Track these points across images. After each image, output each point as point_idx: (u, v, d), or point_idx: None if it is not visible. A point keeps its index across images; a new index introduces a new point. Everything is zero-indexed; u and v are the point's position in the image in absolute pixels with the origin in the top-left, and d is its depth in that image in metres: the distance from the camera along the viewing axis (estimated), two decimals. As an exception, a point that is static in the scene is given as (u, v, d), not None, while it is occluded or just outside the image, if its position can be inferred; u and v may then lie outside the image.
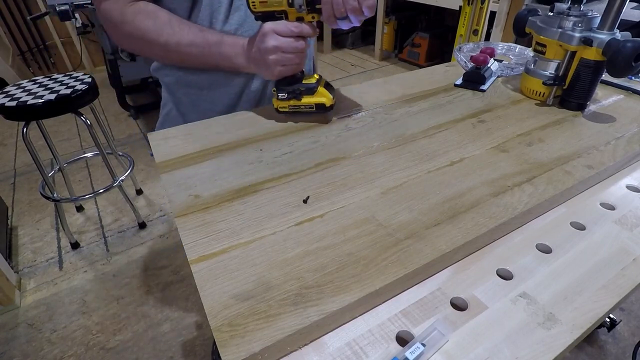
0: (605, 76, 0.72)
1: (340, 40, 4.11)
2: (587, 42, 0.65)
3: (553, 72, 0.73)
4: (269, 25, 0.59)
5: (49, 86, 1.39)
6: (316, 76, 0.68)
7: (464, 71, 0.88)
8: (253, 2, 0.59)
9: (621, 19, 0.64)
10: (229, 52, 0.65)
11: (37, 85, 1.40)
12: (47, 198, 1.58)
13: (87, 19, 2.67)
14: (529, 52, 0.95)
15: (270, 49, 0.60)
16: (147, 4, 0.65)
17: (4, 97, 1.30)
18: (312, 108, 0.67)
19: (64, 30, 3.32)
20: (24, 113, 1.28)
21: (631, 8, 1.45)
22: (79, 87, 1.37)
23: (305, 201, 0.51)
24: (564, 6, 0.69)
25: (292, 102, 0.67)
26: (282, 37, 0.59)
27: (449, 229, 0.46)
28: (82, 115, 1.44)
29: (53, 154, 1.72)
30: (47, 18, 3.16)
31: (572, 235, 0.49)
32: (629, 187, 0.57)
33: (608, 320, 1.25)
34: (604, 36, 0.64)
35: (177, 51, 0.65)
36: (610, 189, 0.57)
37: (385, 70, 3.55)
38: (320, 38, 3.96)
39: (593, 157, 0.59)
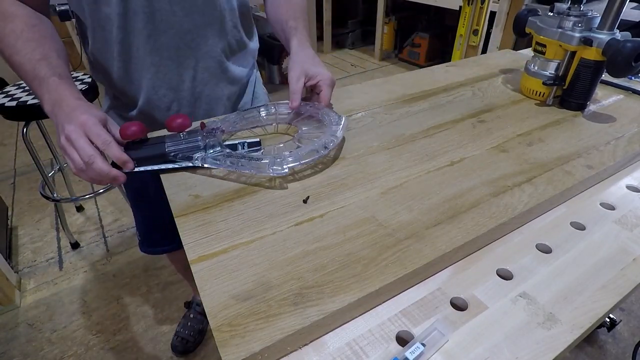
0: (605, 76, 0.72)
1: (340, 40, 4.11)
2: (587, 42, 0.65)
3: (553, 72, 0.73)
4: (87, 117, 0.51)
5: (49, 86, 1.39)
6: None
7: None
8: None
9: (621, 19, 0.64)
10: (42, 93, 0.55)
11: (37, 85, 1.40)
12: (47, 198, 1.58)
13: (87, 19, 2.67)
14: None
15: (65, 136, 0.51)
16: (13, 3, 0.58)
17: (4, 97, 1.30)
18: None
19: (63, 30, 3.31)
20: (24, 113, 1.28)
21: (631, 8, 1.44)
22: (79, 87, 1.37)
23: (305, 201, 0.51)
24: (564, 6, 0.69)
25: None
26: (87, 137, 0.50)
27: (449, 229, 0.46)
28: (82, 115, 1.43)
29: (53, 154, 1.72)
30: (47, 18, 3.16)
31: (572, 235, 0.49)
32: (629, 187, 0.57)
33: (608, 320, 1.25)
34: (603, 36, 0.64)
35: (10, 64, 0.57)
36: (610, 189, 0.57)
37: (385, 70, 3.55)
38: (320, 38, 3.95)
39: (593, 157, 0.59)
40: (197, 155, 0.56)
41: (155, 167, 0.56)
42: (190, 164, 0.56)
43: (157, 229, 0.93)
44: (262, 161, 0.53)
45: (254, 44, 0.82)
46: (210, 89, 0.74)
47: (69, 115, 0.52)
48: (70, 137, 0.50)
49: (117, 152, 0.52)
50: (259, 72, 0.90)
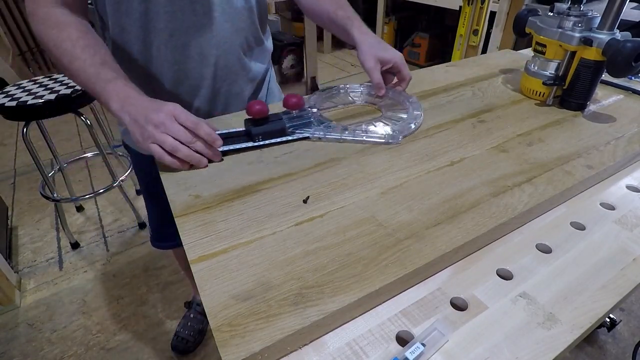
0: (605, 76, 0.72)
1: (340, 40, 4.10)
2: (587, 42, 0.65)
3: (553, 72, 0.72)
4: (173, 105, 0.56)
5: (49, 86, 1.39)
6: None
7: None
8: None
9: (621, 19, 0.64)
10: (109, 94, 0.58)
11: (37, 85, 1.40)
12: (47, 198, 1.58)
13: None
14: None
15: (154, 124, 0.54)
16: (65, 13, 0.61)
17: (4, 97, 1.30)
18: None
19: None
20: (24, 113, 1.28)
21: (631, 8, 1.44)
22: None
23: (305, 201, 0.51)
24: (564, 6, 0.69)
25: None
26: (178, 124, 0.55)
27: (449, 229, 0.46)
28: (82, 115, 1.44)
29: (53, 154, 1.72)
30: (47, 18, 3.15)
31: (572, 235, 0.49)
32: (629, 187, 0.57)
33: (608, 320, 1.25)
34: (604, 36, 0.64)
35: (68, 70, 0.60)
36: (610, 189, 0.57)
37: (385, 70, 3.55)
38: (320, 38, 3.95)
39: (593, 157, 0.59)
40: (313, 129, 0.65)
41: (237, 146, 0.61)
42: (308, 135, 0.64)
43: (168, 224, 0.94)
44: (380, 133, 0.64)
45: (270, 42, 0.84)
46: (229, 85, 0.76)
47: (148, 108, 0.56)
48: (164, 123, 0.54)
49: (207, 130, 0.56)
50: (273, 69, 0.92)
